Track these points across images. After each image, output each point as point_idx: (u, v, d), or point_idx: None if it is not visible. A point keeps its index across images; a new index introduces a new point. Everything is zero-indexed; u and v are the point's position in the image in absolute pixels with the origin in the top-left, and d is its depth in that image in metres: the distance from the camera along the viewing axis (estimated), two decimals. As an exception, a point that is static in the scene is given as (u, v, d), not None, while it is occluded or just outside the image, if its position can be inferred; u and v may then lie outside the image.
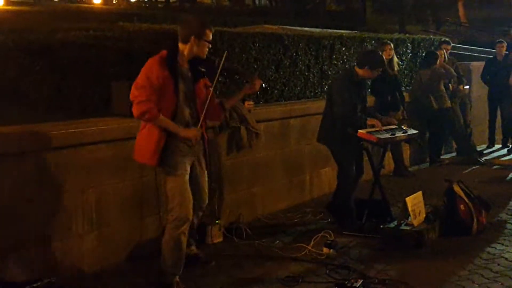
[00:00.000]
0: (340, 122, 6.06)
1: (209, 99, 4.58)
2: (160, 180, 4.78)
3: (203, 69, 4.57)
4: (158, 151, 4.42)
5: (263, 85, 4.93)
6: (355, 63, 6.37)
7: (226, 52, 4.86)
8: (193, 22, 4.56)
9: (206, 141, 4.79)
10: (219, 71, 4.56)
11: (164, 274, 4.61)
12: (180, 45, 4.52)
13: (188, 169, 4.62)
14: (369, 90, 8.81)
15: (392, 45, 8.77)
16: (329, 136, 6.26)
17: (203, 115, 4.58)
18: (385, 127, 6.16)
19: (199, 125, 4.55)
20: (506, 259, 5.22)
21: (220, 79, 4.74)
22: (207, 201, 4.99)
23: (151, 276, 4.88)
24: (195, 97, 4.59)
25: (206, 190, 4.92)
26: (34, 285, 4.11)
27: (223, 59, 4.60)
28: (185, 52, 4.51)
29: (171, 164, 4.49)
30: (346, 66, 8.77)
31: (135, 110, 4.35)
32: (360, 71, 6.13)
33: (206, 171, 4.87)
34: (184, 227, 4.53)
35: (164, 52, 4.49)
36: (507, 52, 11.03)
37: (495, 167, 9.67)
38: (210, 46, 4.66)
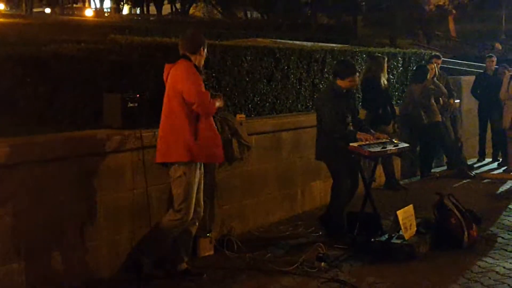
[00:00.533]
0: (331, 135, 6.08)
1: None
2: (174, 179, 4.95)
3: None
4: (201, 149, 4.87)
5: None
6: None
7: None
8: (199, 34, 5.16)
9: None
10: None
11: (139, 253, 4.95)
12: (192, 56, 4.95)
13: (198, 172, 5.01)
14: (360, 103, 8.87)
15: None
16: (325, 150, 6.27)
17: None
18: (375, 141, 6.18)
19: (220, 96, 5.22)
20: (497, 272, 5.23)
21: None
22: (202, 210, 5.20)
23: (145, 285, 4.87)
24: None
25: (202, 199, 5.16)
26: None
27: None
28: (196, 62, 4.98)
29: (193, 168, 4.86)
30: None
31: (210, 109, 4.90)
32: (338, 82, 6.17)
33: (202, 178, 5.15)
34: (180, 228, 4.92)
35: (188, 61, 4.90)
36: (497, 66, 11.12)
37: (485, 181, 9.70)
38: None
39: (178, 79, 4.83)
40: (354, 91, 6.83)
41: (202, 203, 5.16)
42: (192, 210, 4.92)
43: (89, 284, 4.97)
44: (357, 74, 6.45)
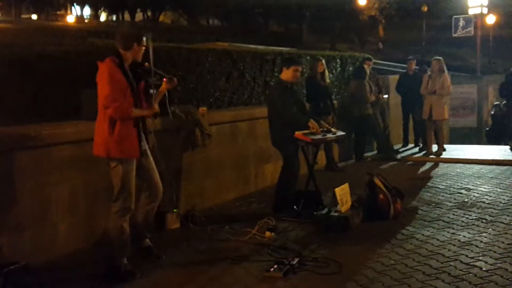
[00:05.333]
0: (288, 122, 6.05)
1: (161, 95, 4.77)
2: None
3: (139, 71, 4.55)
4: (116, 145, 4.30)
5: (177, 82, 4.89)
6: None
7: (150, 49, 4.90)
8: (134, 31, 4.61)
9: (148, 135, 4.66)
10: (152, 73, 4.71)
11: (113, 257, 4.45)
12: (123, 52, 4.41)
13: (134, 163, 4.47)
14: (304, 98, 8.89)
15: (323, 61, 8.85)
16: (278, 139, 6.25)
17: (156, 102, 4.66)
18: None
19: (154, 105, 4.57)
20: (417, 239, 5.33)
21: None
22: (161, 191, 4.79)
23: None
24: (139, 93, 4.52)
25: (159, 181, 4.73)
26: (12, 267, 3.95)
27: (151, 62, 4.78)
28: (128, 57, 4.44)
29: (121, 158, 4.35)
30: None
31: (116, 114, 4.26)
32: (282, 75, 6.18)
33: (153, 163, 4.69)
34: (127, 216, 4.44)
35: (112, 58, 4.36)
36: (417, 67, 11.28)
37: (408, 163, 9.88)
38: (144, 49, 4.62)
39: (100, 82, 4.34)
40: (296, 88, 6.82)
41: (159, 188, 4.74)
42: (132, 198, 4.41)
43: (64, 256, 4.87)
44: (300, 66, 6.37)
